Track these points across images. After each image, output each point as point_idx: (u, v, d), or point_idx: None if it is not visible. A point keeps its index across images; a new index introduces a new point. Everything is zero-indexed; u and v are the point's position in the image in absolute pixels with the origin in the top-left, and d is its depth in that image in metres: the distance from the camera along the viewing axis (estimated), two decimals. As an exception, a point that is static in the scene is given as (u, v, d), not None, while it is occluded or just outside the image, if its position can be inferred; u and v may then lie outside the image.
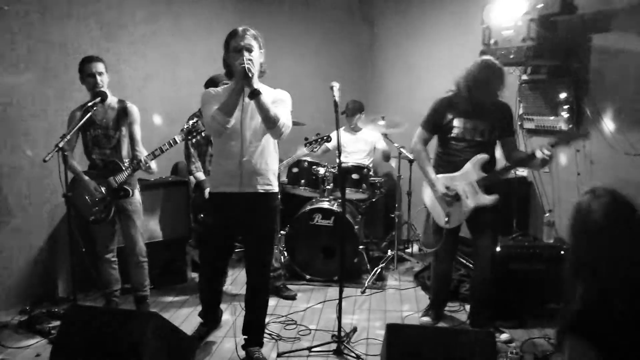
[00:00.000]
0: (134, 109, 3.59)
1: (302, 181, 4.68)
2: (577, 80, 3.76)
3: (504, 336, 3.41)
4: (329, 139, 4.32)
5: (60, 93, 4.06)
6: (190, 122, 3.43)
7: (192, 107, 3.97)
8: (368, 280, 4.43)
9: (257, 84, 2.74)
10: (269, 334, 3.45)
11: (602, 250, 1.58)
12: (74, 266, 3.26)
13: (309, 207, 4.49)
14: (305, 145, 4.28)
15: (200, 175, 3.98)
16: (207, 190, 3.76)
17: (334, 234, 4.38)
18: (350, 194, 4.63)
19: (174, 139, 3.44)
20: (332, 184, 4.60)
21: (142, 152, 3.54)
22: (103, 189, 3.46)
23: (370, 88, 5.99)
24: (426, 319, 3.71)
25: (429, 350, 2.45)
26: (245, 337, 3.20)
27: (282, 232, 4.62)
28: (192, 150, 3.98)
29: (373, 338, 3.47)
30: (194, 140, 3.80)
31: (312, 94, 5.05)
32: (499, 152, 3.50)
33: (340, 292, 3.19)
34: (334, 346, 3.27)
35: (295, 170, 4.65)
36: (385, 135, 4.94)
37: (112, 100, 3.54)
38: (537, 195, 4.19)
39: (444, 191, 3.39)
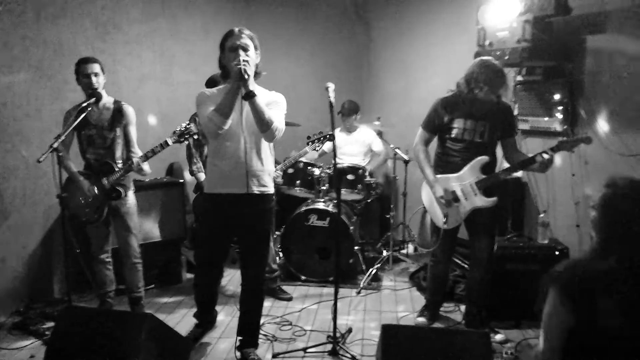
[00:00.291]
0: (129, 110, 3.58)
1: (298, 182, 4.68)
2: (571, 81, 3.78)
3: (499, 337, 3.42)
4: (332, 137, 4.31)
5: (55, 93, 4.05)
6: (184, 124, 3.42)
7: (188, 108, 3.95)
8: (363, 280, 4.43)
9: (252, 85, 2.74)
10: (264, 335, 3.45)
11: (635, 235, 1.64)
12: (68, 267, 3.25)
13: (304, 208, 4.49)
14: (308, 144, 4.28)
15: (202, 176, 3.95)
16: None
17: (329, 235, 4.38)
18: (346, 194, 4.63)
19: (166, 141, 3.42)
20: (327, 185, 4.61)
21: (137, 153, 3.54)
22: (95, 190, 3.45)
23: (366, 88, 6.00)
24: (421, 319, 3.71)
25: (424, 350, 2.46)
26: (240, 338, 3.19)
27: (277, 232, 4.62)
28: (193, 150, 3.96)
29: (368, 339, 3.48)
30: (192, 140, 3.77)
31: (308, 95, 5.06)
32: (499, 154, 3.51)
33: (336, 292, 3.19)
34: (329, 347, 3.27)
35: (290, 171, 4.64)
36: (380, 134, 4.94)
37: (107, 100, 3.54)
38: (531, 196, 4.20)
39: (443, 193, 3.40)
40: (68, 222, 3.25)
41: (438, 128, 3.46)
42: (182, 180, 4.58)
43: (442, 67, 5.11)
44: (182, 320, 3.76)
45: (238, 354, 3.16)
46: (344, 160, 4.90)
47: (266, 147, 3.02)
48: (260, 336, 3.27)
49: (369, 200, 4.91)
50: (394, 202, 4.94)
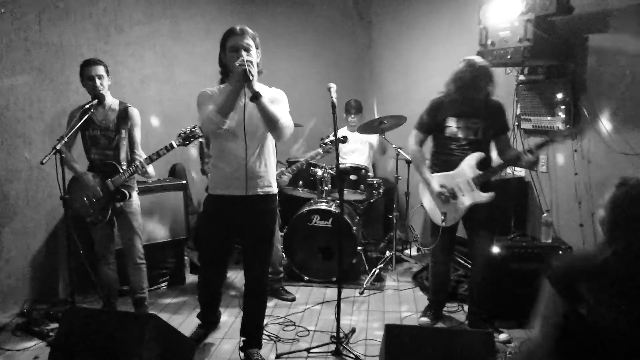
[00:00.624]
0: (135, 112, 3.59)
1: (300, 182, 4.68)
2: (573, 80, 3.77)
3: (503, 336, 3.42)
4: (345, 140, 4.36)
5: (57, 95, 4.06)
6: (189, 127, 3.42)
7: (191, 109, 3.94)
8: (366, 281, 4.43)
9: (256, 85, 2.73)
10: (268, 335, 3.45)
11: None
12: (72, 268, 3.25)
13: (307, 208, 4.49)
14: (321, 146, 4.30)
15: None
16: None
17: (332, 235, 4.38)
18: (349, 194, 4.63)
19: (171, 144, 3.43)
20: (330, 185, 4.61)
21: (141, 155, 3.54)
22: (100, 190, 3.46)
23: (368, 88, 6.00)
24: (425, 319, 3.71)
25: (428, 350, 2.45)
26: (244, 338, 3.19)
27: (281, 233, 4.62)
28: (206, 150, 3.94)
29: (372, 339, 3.48)
30: (205, 140, 3.76)
31: (310, 95, 5.05)
32: (494, 151, 3.54)
33: (339, 293, 3.18)
34: (332, 347, 3.27)
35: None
36: (383, 134, 4.94)
37: (113, 102, 3.54)
38: (535, 195, 4.20)
39: (440, 189, 3.42)
40: (72, 223, 3.25)
41: (431, 128, 3.52)
42: (185, 182, 4.58)
43: (443, 67, 5.04)
44: (186, 321, 3.76)
45: (242, 354, 3.16)
46: (346, 160, 4.90)
47: (269, 148, 3.02)
48: (263, 337, 3.27)
49: (371, 200, 4.91)
50: (396, 202, 4.93)
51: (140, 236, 3.68)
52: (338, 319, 3.21)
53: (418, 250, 5.33)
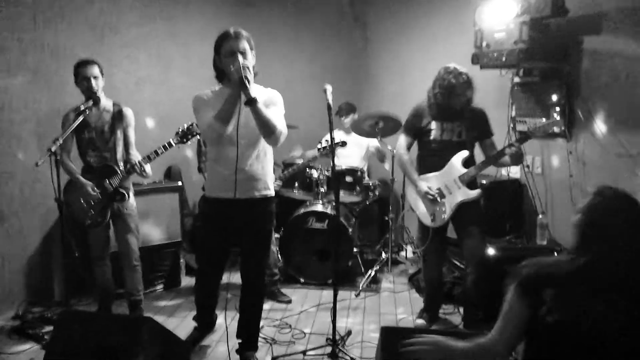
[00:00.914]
0: (129, 112, 3.58)
1: (296, 184, 4.68)
2: (568, 82, 3.79)
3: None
4: (344, 144, 4.38)
5: (52, 97, 4.04)
6: (186, 124, 3.41)
7: (186, 111, 3.93)
8: (362, 283, 4.42)
9: (253, 90, 2.71)
10: (264, 338, 3.45)
11: (621, 248, 1.63)
12: (67, 271, 3.24)
13: (302, 211, 4.49)
14: (319, 149, 4.31)
15: None
16: None
17: (328, 237, 4.38)
18: (344, 196, 4.62)
19: (169, 142, 3.42)
20: (325, 187, 4.60)
21: (136, 156, 3.53)
22: (98, 192, 3.44)
23: (364, 90, 6.00)
24: (421, 321, 3.72)
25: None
26: (240, 341, 3.19)
27: (276, 235, 4.61)
28: (204, 148, 3.93)
29: (367, 341, 3.48)
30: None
31: (306, 97, 5.05)
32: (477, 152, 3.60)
33: (335, 295, 3.18)
34: (328, 349, 3.25)
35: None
36: (380, 139, 4.94)
37: (107, 103, 3.53)
38: (530, 197, 4.21)
39: (426, 189, 3.48)
40: (69, 225, 3.23)
41: (417, 131, 3.62)
42: (180, 184, 4.57)
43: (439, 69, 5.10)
44: (182, 324, 3.75)
45: (237, 357, 3.15)
46: (341, 162, 4.89)
47: (266, 150, 3.01)
48: (259, 339, 3.26)
49: (367, 203, 4.91)
50: (392, 204, 4.93)
51: (137, 238, 3.66)
52: (334, 321, 3.20)
53: (414, 252, 5.33)
